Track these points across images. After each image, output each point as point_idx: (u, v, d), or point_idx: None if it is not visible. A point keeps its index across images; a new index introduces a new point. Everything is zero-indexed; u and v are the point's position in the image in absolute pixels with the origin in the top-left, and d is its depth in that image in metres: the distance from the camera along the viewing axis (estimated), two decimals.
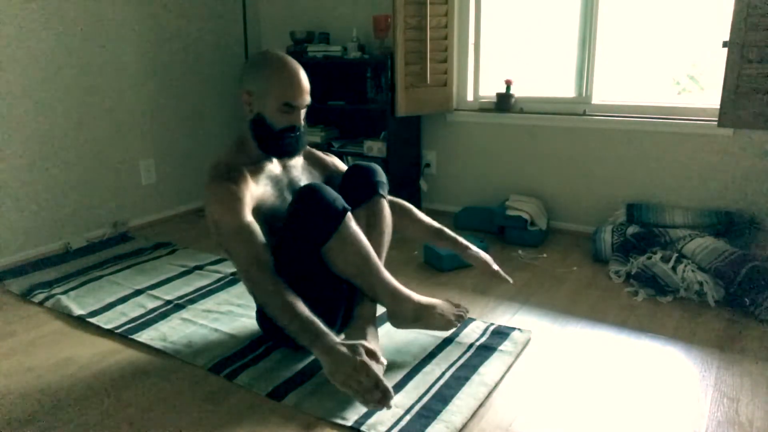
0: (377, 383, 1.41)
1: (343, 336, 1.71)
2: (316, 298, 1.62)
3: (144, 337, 1.93)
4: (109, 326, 2.00)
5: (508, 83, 2.98)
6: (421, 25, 2.87)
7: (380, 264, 1.72)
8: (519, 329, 1.94)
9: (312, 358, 1.76)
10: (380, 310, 1.81)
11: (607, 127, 2.76)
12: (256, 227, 1.64)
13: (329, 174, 1.97)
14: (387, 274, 1.71)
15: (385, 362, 1.53)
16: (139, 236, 2.97)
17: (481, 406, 1.55)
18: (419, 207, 3.31)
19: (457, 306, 1.86)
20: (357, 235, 1.67)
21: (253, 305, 2.12)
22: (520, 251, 2.69)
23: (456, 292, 2.27)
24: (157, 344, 1.88)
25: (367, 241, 1.69)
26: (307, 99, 1.73)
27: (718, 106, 2.29)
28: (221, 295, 2.24)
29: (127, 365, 1.79)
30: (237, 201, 1.62)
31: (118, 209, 3.05)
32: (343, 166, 2.01)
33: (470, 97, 3.17)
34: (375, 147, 3.10)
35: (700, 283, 2.17)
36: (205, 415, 1.53)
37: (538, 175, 3.00)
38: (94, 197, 2.93)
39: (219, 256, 2.65)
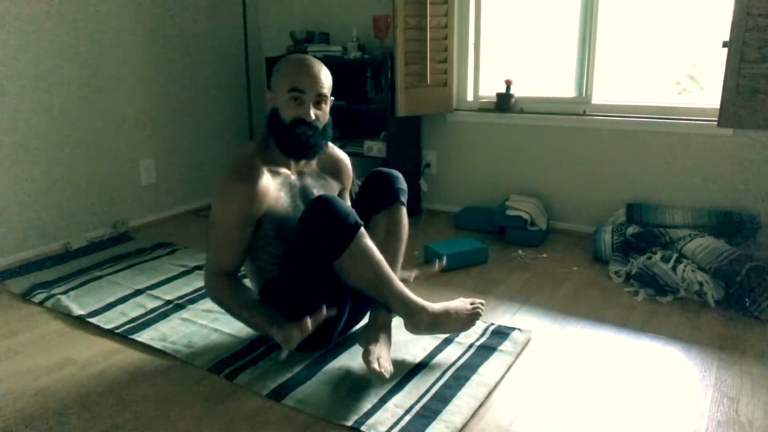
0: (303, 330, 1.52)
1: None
2: (321, 302, 1.63)
3: (144, 337, 1.93)
4: (109, 326, 2.00)
5: (508, 83, 2.98)
6: (421, 25, 2.87)
7: (393, 276, 1.69)
8: (519, 329, 1.94)
9: (312, 358, 1.76)
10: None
11: (607, 127, 2.76)
12: (244, 239, 1.67)
13: (341, 190, 1.95)
14: (400, 286, 1.69)
15: (391, 370, 1.58)
16: (139, 236, 2.97)
17: (481, 406, 1.55)
18: (419, 207, 3.32)
19: (472, 302, 1.81)
20: (369, 251, 1.64)
21: None
22: (520, 251, 2.69)
23: (456, 292, 2.27)
24: (157, 344, 1.88)
25: (380, 255, 1.66)
26: (320, 89, 1.66)
27: (718, 106, 2.29)
28: None
29: (127, 365, 1.79)
30: (243, 204, 1.62)
31: (118, 209, 3.05)
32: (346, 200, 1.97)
33: (470, 97, 3.17)
34: (375, 147, 3.10)
35: (700, 283, 2.17)
36: (205, 415, 1.53)
37: (538, 175, 3.00)
38: (94, 197, 2.93)
39: None
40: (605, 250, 2.53)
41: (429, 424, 1.46)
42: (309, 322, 1.52)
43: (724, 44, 2.22)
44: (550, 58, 3.03)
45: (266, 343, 1.86)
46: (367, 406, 1.54)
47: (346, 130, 3.41)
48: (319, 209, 1.59)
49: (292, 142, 1.68)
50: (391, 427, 1.45)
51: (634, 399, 1.59)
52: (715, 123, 2.37)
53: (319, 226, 1.58)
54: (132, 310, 2.13)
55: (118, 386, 1.67)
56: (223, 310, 1.74)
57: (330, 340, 1.80)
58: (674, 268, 2.23)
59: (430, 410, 1.51)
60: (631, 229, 2.51)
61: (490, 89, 3.11)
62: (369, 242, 1.65)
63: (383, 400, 1.56)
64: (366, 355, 1.59)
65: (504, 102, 3.00)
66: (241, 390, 1.65)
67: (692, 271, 2.21)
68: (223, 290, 1.70)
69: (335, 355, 1.79)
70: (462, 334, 1.89)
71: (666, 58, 2.82)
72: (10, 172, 2.58)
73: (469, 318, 1.77)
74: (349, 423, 1.47)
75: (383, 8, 3.07)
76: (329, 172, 1.90)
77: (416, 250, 2.71)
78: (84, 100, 2.83)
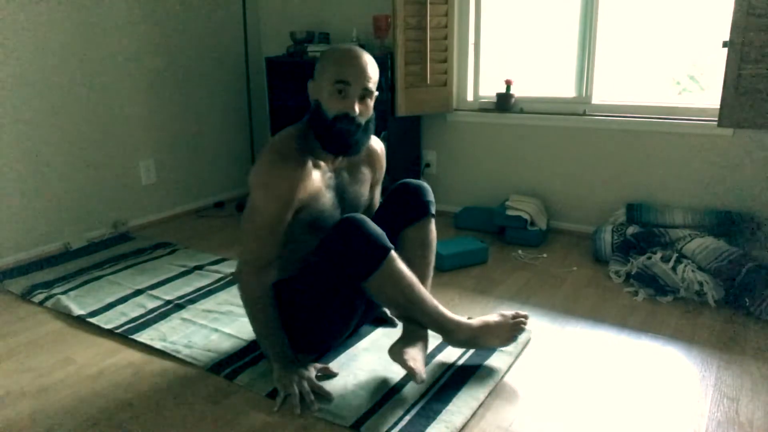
0: (304, 395, 1.55)
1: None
2: (331, 310, 1.64)
3: (144, 337, 1.93)
4: (109, 326, 2.00)
5: (508, 83, 2.98)
6: (421, 25, 2.87)
7: (425, 296, 1.63)
8: None
9: (311, 358, 1.76)
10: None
11: (607, 127, 2.76)
12: (283, 232, 1.59)
13: (373, 183, 1.88)
14: (432, 306, 1.63)
15: (424, 378, 1.55)
16: (139, 236, 2.97)
17: (481, 406, 1.55)
18: None
19: (514, 316, 1.72)
20: (399, 274, 1.57)
21: None
22: (520, 251, 2.69)
23: (456, 292, 2.27)
24: (157, 344, 1.88)
25: (411, 276, 1.60)
26: (366, 83, 1.55)
27: (718, 106, 2.29)
28: (221, 295, 2.24)
29: (127, 365, 1.79)
30: (288, 193, 1.53)
31: (118, 209, 3.05)
32: (377, 199, 1.93)
33: (470, 97, 3.17)
34: None
35: (700, 283, 2.17)
36: (205, 415, 1.53)
37: (538, 175, 3.00)
38: (94, 197, 2.93)
39: (219, 256, 2.65)
40: (605, 250, 2.53)
41: (429, 424, 1.46)
42: (309, 390, 1.55)
43: (724, 44, 2.22)
44: (550, 58, 3.03)
45: None
46: (367, 406, 1.54)
47: None
48: (348, 230, 1.53)
49: (334, 139, 1.58)
50: (391, 427, 1.45)
51: (634, 399, 1.59)
52: (715, 123, 2.37)
53: (347, 247, 1.53)
54: (132, 310, 2.13)
55: (118, 386, 1.67)
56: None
57: (331, 348, 1.81)
58: (674, 268, 2.23)
59: (430, 410, 1.51)
60: (631, 229, 2.51)
61: (490, 89, 3.11)
62: (399, 265, 1.58)
63: (383, 400, 1.56)
64: (402, 354, 1.56)
65: (504, 102, 3.00)
66: (241, 390, 1.64)
67: (692, 271, 2.21)
68: (260, 296, 1.62)
69: (336, 355, 1.79)
70: None
71: (666, 58, 2.81)
72: (10, 172, 2.58)
73: (511, 333, 1.70)
74: (349, 423, 1.47)
75: (383, 8, 3.07)
76: (364, 164, 1.81)
77: None
78: (84, 100, 2.83)
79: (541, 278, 2.41)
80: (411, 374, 1.53)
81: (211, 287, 2.32)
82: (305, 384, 1.57)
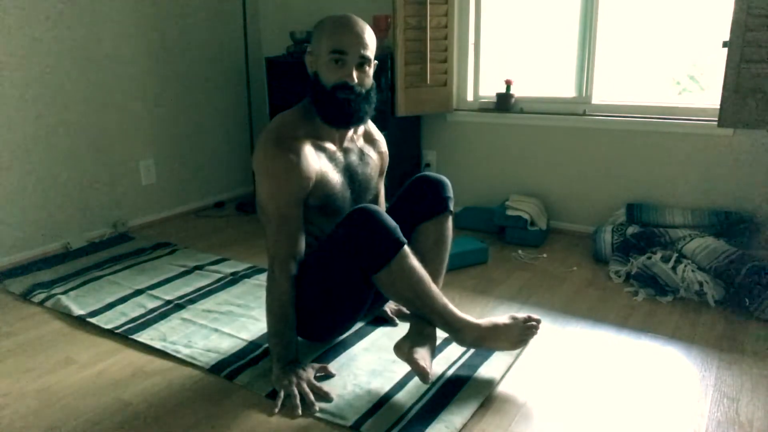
0: (304, 395, 1.54)
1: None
2: (339, 298, 1.63)
3: (144, 337, 1.93)
4: (109, 326, 2.00)
5: (508, 83, 2.98)
6: (421, 25, 2.87)
7: (435, 293, 1.60)
8: None
9: (311, 359, 1.76)
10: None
11: (607, 127, 2.76)
12: (301, 218, 1.57)
13: (378, 174, 1.85)
14: (441, 303, 1.60)
15: (433, 376, 1.55)
16: (139, 236, 2.97)
17: (481, 406, 1.55)
18: None
19: (526, 320, 1.66)
20: (410, 270, 1.54)
21: (253, 305, 2.13)
22: (520, 251, 2.69)
23: (456, 292, 2.27)
24: (157, 344, 1.88)
25: (422, 273, 1.57)
26: (363, 50, 1.54)
27: (718, 106, 2.29)
28: (221, 295, 2.24)
29: (127, 365, 1.79)
30: (294, 178, 1.51)
31: (118, 209, 3.05)
32: (382, 194, 1.92)
33: (470, 97, 3.17)
34: None
35: (700, 283, 2.17)
36: (205, 415, 1.53)
37: (538, 175, 3.00)
38: (94, 197, 2.93)
39: (219, 256, 2.65)
40: (605, 250, 2.53)
41: (429, 424, 1.46)
42: (308, 390, 1.55)
43: (724, 44, 2.22)
44: (550, 58, 3.03)
45: (266, 343, 1.86)
46: (367, 406, 1.54)
47: None
48: (362, 220, 1.50)
49: (334, 109, 1.56)
50: (391, 427, 1.45)
51: (634, 399, 1.59)
52: (715, 123, 2.37)
53: (360, 238, 1.50)
54: (132, 310, 2.13)
55: (118, 386, 1.67)
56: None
57: (334, 336, 1.80)
58: (674, 268, 2.23)
59: (430, 410, 1.51)
60: (631, 229, 2.51)
61: (490, 89, 3.11)
62: (411, 261, 1.55)
63: (383, 400, 1.56)
64: (412, 353, 1.52)
65: (504, 102, 3.00)
66: (241, 390, 1.64)
67: (692, 271, 2.21)
68: (284, 290, 1.59)
69: (336, 356, 1.79)
70: None
71: (666, 58, 2.81)
72: (10, 172, 2.58)
73: (521, 336, 1.65)
74: (349, 423, 1.47)
75: (383, 8, 3.07)
76: (372, 148, 1.80)
77: None
78: (84, 100, 2.83)
79: (541, 278, 2.41)
80: (421, 374, 1.50)
81: (211, 287, 2.32)
82: (304, 384, 1.57)
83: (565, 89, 2.92)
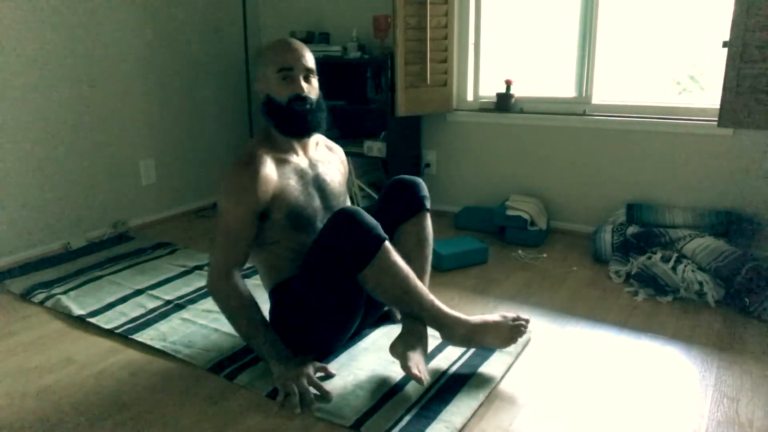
0: (304, 393, 1.55)
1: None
2: (331, 308, 1.64)
3: (144, 337, 1.93)
4: (109, 326, 2.00)
5: (508, 83, 2.98)
6: (421, 25, 2.87)
7: (422, 290, 1.64)
8: None
9: (310, 357, 1.76)
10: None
11: (607, 127, 2.76)
12: (249, 235, 1.65)
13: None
14: (429, 300, 1.63)
15: (429, 379, 1.57)
16: (139, 236, 2.97)
17: (481, 406, 1.55)
18: None
19: (515, 319, 1.70)
20: (395, 266, 1.58)
21: None
22: (520, 251, 2.69)
23: (456, 292, 2.27)
24: (157, 344, 1.88)
25: (407, 269, 1.61)
26: (306, 63, 1.68)
27: (718, 106, 2.29)
28: None
29: (127, 365, 1.79)
30: (247, 196, 1.60)
31: (118, 209, 3.05)
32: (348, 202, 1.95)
33: (470, 97, 3.17)
34: (375, 147, 3.10)
35: (700, 283, 2.17)
36: (205, 415, 1.53)
37: (538, 175, 3.00)
38: (94, 197, 2.93)
39: None
40: (605, 250, 2.53)
41: (429, 424, 1.46)
42: (308, 388, 1.55)
43: (724, 44, 2.22)
44: (550, 58, 3.03)
45: None
46: (367, 406, 1.54)
47: (346, 130, 3.41)
48: (343, 221, 1.56)
49: (293, 120, 1.68)
50: (391, 427, 1.45)
51: (634, 399, 1.59)
52: (715, 123, 2.37)
53: (342, 238, 1.55)
54: (132, 310, 2.13)
55: (118, 386, 1.67)
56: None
57: (334, 350, 1.80)
58: (674, 268, 2.23)
59: (430, 410, 1.51)
60: (631, 229, 2.51)
61: (490, 89, 3.11)
62: (394, 257, 1.59)
63: (383, 400, 1.56)
64: (405, 360, 1.55)
65: (504, 102, 3.00)
66: (241, 390, 1.64)
67: (692, 271, 2.21)
68: (233, 296, 1.64)
69: (336, 355, 1.79)
70: None
71: (666, 58, 2.81)
72: (10, 172, 2.58)
73: (509, 335, 1.67)
74: (349, 423, 1.47)
75: (383, 8, 3.07)
76: (335, 162, 1.89)
77: None
78: (84, 100, 2.83)
79: (541, 278, 2.41)
80: (417, 380, 1.52)
81: None
82: (304, 382, 1.57)
83: (565, 89, 2.92)
